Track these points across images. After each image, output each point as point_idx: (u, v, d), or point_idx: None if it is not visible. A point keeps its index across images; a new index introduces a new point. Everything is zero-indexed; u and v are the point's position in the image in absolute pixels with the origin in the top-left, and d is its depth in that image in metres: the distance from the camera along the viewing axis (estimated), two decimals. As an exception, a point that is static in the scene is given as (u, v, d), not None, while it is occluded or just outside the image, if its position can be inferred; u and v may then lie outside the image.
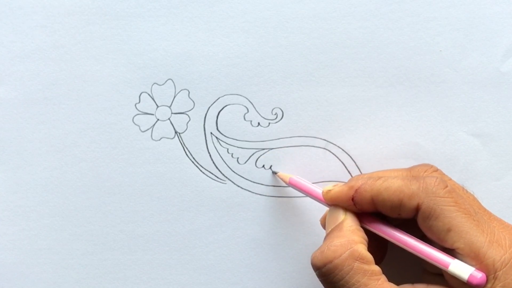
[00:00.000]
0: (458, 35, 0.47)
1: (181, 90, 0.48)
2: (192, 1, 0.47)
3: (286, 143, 0.48)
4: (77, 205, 0.48)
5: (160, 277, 0.48)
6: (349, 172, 0.48)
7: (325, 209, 0.45)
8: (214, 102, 0.48)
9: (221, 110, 0.48)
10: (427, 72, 0.47)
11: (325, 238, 0.41)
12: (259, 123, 0.48)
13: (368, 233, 0.41)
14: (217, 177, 0.48)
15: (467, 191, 0.42)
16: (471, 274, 0.37)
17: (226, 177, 0.48)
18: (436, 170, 0.43)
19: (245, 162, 0.48)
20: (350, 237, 0.39)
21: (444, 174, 0.43)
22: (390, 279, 0.39)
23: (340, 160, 0.48)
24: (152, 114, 0.48)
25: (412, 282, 0.40)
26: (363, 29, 0.47)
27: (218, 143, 0.48)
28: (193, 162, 0.48)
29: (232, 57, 0.47)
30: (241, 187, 0.48)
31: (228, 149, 0.48)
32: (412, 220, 0.41)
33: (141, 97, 0.48)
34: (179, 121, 0.48)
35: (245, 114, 0.48)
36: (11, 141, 0.48)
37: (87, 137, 0.48)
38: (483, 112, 0.48)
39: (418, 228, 0.40)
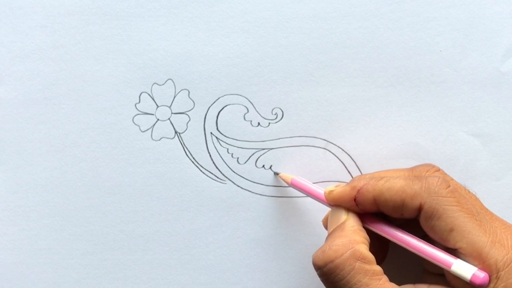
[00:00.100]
0: (458, 35, 0.47)
1: (181, 90, 0.48)
2: (192, 1, 0.47)
3: (286, 143, 0.48)
4: (77, 205, 0.48)
5: (160, 277, 0.48)
6: (349, 172, 0.48)
7: (326, 209, 0.45)
8: (214, 102, 0.48)
9: (221, 110, 0.48)
10: (427, 72, 0.47)
11: (326, 238, 0.41)
12: (259, 123, 0.48)
13: (370, 233, 0.41)
14: (217, 177, 0.48)
15: (469, 191, 0.42)
16: (473, 274, 0.37)
17: (226, 177, 0.48)
18: (438, 170, 0.43)
19: (245, 162, 0.48)
20: (352, 237, 0.39)
21: (446, 174, 0.43)
22: (391, 279, 0.39)
23: (340, 160, 0.48)
24: (152, 114, 0.48)
25: (413, 282, 0.40)
26: (363, 29, 0.47)
27: (218, 143, 0.48)
28: (193, 162, 0.48)
29: (232, 57, 0.47)
30: (241, 187, 0.48)
31: (228, 149, 0.48)
32: (413, 221, 0.41)
33: (141, 97, 0.48)
34: (179, 121, 0.48)
35: (245, 114, 0.48)
36: (11, 141, 0.48)
37: (87, 137, 0.48)
38: (483, 112, 0.48)
39: (419, 229, 0.40)
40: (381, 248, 0.43)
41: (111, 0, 0.47)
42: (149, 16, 0.47)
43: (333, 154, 0.48)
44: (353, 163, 0.48)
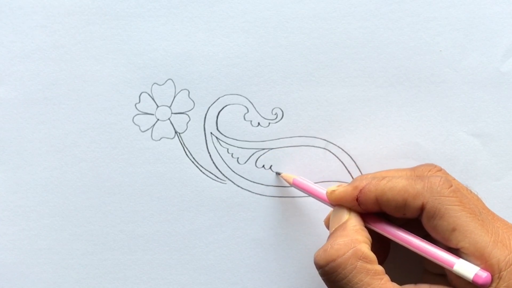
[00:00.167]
0: (458, 35, 0.47)
1: (181, 90, 0.48)
2: (192, 1, 0.47)
3: (286, 143, 0.48)
4: (77, 205, 0.48)
5: (160, 277, 0.48)
6: (349, 172, 0.48)
7: (326, 210, 0.45)
8: (214, 102, 0.48)
9: (221, 110, 0.48)
10: (427, 72, 0.47)
11: (328, 237, 0.41)
12: (259, 123, 0.48)
13: (371, 233, 0.41)
14: (217, 177, 0.48)
15: (471, 191, 0.42)
16: (476, 274, 0.37)
17: (226, 177, 0.48)
18: (440, 169, 0.43)
19: (245, 162, 0.48)
20: (354, 236, 0.39)
21: (448, 174, 0.43)
22: (392, 279, 0.39)
23: (340, 160, 0.48)
24: (152, 114, 0.48)
25: (414, 282, 0.40)
26: (363, 29, 0.47)
27: (218, 143, 0.48)
28: (193, 162, 0.48)
29: (232, 57, 0.47)
30: (241, 187, 0.48)
31: (228, 149, 0.48)
32: (414, 221, 0.41)
33: (141, 97, 0.48)
34: (179, 121, 0.48)
35: (245, 114, 0.48)
36: (11, 141, 0.48)
37: (87, 137, 0.48)
38: (483, 112, 0.48)
39: (420, 229, 0.40)
40: (382, 248, 0.43)
41: (111, 0, 0.47)
42: (149, 16, 0.47)
43: (333, 154, 0.48)
44: (353, 163, 0.48)
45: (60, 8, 0.47)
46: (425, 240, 0.40)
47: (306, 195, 0.47)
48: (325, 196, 0.43)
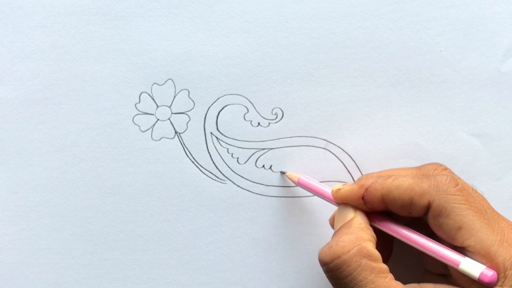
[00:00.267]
0: (458, 35, 0.47)
1: (181, 90, 0.48)
2: (192, 1, 0.47)
3: (286, 143, 0.48)
4: (77, 205, 0.48)
5: (160, 277, 0.48)
6: (349, 172, 0.48)
7: (326, 209, 0.45)
8: (214, 102, 0.48)
9: (221, 110, 0.48)
10: (427, 72, 0.47)
11: (333, 235, 0.41)
12: (259, 123, 0.48)
13: (375, 232, 0.41)
14: (217, 177, 0.48)
15: (476, 191, 0.42)
16: (482, 273, 0.37)
17: (226, 177, 0.48)
18: (446, 168, 0.43)
19: (245, 162, 0.48)
20: (359, 234, 0.39)
21: (453, 173, 0.43)
22: (395, 278, 0.39)
23: (340, 160, 0.48)
24: (152, 114, 0.48)
25: (415, 282, 0.40)
26: (363, 29, 0.47)
27: (218, 143, 0.48)
28: (193, 162, 0.48)
29: (232, 57, 0.47)
30: (241, 187, 0.48)
31: (228, 149, 0.48)
32: (419, 220, 0.41)
33: (141, 97, 0.48)
34: (179, 121, 0.48)
35: (245, 114, 0.48)
36: (11, 141, 0.48)
37: (87, 137, 0.48)
38: (483, 112, 0.48)
39: (425, 228, 0.40)
40: (386, 247, 0.43)
41: (111, 0, 0.47)
42: (149, 16, 0.47)
43: (333, 154, 0.48)
44: (353, 163, 0.48)
45: (60, 8, 0.47)
46: (430, 239, 0.40)
47: (307, 195, 0.47)
48: (330, 195, 0.43)
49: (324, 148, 0.48)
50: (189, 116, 0.48)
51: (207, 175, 0.48)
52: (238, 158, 0.48)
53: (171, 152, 0.48)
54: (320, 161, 0.48)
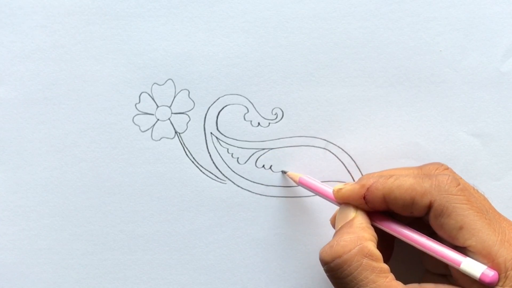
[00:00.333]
0: (458, 35, 0.47)
1: (181, 90, 0.48)
2: (192, 1, 0.47)
3: (286, 143, 0.48)
4: (77, 205, 0.48)
5: (160, 277, 0.48)
6: (349, 172, 0.48)
7: (327, 209, 0.45)
8: (214, 102, 0.48)
9: (221, 110, 0.48)
10: (427, 72, 0.47)
11: (334, 234, 0.41)
12: (259, 123, 0.48)
13: (376, 232, 0.41)
14: (217, 177, 0.48)
15: (477, 191, 0.42)
16: (483, 273, 0.37)
17: (226, 177, 0.48)
18: (447, 168, 0.43)
19: (245, 162, 0.48)
20: (360, 234, 0.39)
21: (455, 172, 0.43)
22: (396, 278, 0.39)
23: (340, 160, 0.48)
24: (152, 114, 0.48)
25: (415, 282, 0.40)
26: (363, 29, 0.47)
27: (218, 143, 0.48)
28: (193, 162, 0.48)
29: (232, 57, 0.47)
30: (241, 187, 0.48)
31: (228, 149, 0.48)
32: (419, 220, 0.41)
33: (141, 97, 0.48)
34: (179, 121, 0.48)
35: (245, 114, 0.48)
36: (11, 141, 0.48)
37: (87, 137, 0.48)
38: (483, 112, 0.48)
39: (425, 228, 0.40)
40: (387, 247, 0.43)
41: (111, 0, 0.47)
42: (149, 16, 0.47)
43: (333, 154, 0.48)
44: (353, 163, 0.48)
45: (60, 8, 0.47)
46: (431, 239, 0.40)
47: (307, 195, 0.47)
48: (331, 195, 0.43)
49: (324, 148, 0.48)
50: (189, 116, 0.48)
51: (207, 175, 0.48)
52: (238, 158, 0.48)
53: (171, 152, 0.48)
54: (320, 161, 0.48)
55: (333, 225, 0.44)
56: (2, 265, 0.48)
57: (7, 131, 0.48)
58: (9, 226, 0.48)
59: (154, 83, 0.48)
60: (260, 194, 0.48)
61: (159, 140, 0.48)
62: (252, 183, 0.48)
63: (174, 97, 0.48)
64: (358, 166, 0.48)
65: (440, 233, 0.39)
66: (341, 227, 0.41)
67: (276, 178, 0.48)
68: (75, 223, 0.48)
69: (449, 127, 0.48)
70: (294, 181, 0.47)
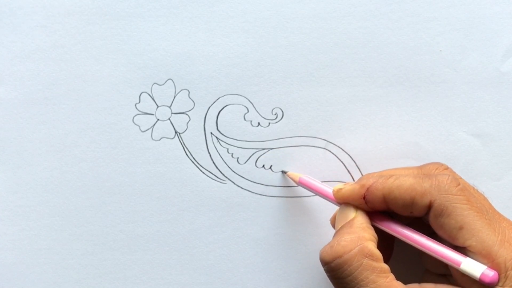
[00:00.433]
0: (458, 35, 0.47)
1: (181, 90, 0.48)
2: (192, 1, 0.47)
3: (286, 143, 0.48)
4: (77, 205, 0.48)
5: (160, 277, 0.48)
6: (349, 172, 0.48)
7: (327, 209, 0.45)
8: (214, 102, 0.48)
9: (221, 110, 0.48)
10: (427, 72, 0.47)
11: (334, 234, 0.41)
12: (259, 123, 0.48)
13: (376, 232, 0.41)
14: (217, 177, 0.48)
15: (477, 190, 0.42)
16: (483, 273, 0.37)
17: (226, 177, 0.48)
18: (447, 168, 0.43)
19: (245, 162, 0.48)
20: (360, 234, 0.39)
21: (455, 172, 0.43)
22: (396, 278, 0.39)
23: (340, 160, 0.48)
24: (152, 114, 0.48)
25: (415, 282, 0.40)
26: (363, 29, 0.47)
27: (218, 143, 0.48)
28: (193, 162, 0.48)
29: (232, 57, 0.47)
30: (241, 187, 0.48)
31: (228, 149, 0.48)
32: (419, 221, 0.41)
33: (141, 97, 0.48)
34: (179, 121, 0.48)
35: (245, 114, 0.48)
36: (11, 141, 0.48)
37: (87, 137, 0.48)
38: (483, 112, 0.48)
39: (425, 228, 0.40)
40: (387, 247, 0.43)
41: (111, 0, 0.47)
42: (149, 16, 0.47)
43: (333, 154, 0.48)
44: (353, 163, 0.48)
45: (60, 8, 0.47)
46: (431, 239, 0.40)
47: (307, 195, 0.47)
48: (331, 195, 0.43)
49: (324, 148, 0.48)
50: (189, 116, 0.48)
51: (207, 175, 0.48)
52: (238, 158, 0.48)
53: (171, 152, 0.48)
54: (320, 161, 0.48)
55: (333, 225, 0.44)
56: (2, 265, 0.48)
57: (7, 131, 0.48)
58: (9, 226, 0.48)
59: (154, 83, 0.48)
60: (260, 194, 0.48)
61: (159, 140, 0.48)
62: (252, 183, 0.48)
63: (174, 97, 0.48)
64: (358, 166, 0.48)
65: (440, 233, 0.39)
66: (341, 227, 0.41)
67: (276, 178, 0.48)
68: (75, 223, 0.48)
69: (449, 127, 0.48)
70: (294, 181, 0.47)
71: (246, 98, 0.48)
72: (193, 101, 0.48)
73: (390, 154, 0.48)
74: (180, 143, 0.48)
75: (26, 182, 0.48)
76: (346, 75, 0.47)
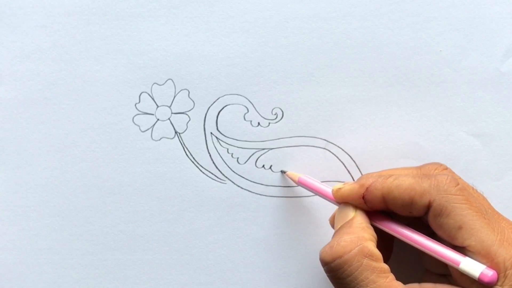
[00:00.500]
0: (458, 35, 0.47)
1: (181, 90, 0.48)
2: (192, 1, 0.47)
3: (286, 143, 0.48)
4: (77, 205, 0.48)
5: (160, 277, 0.48)
6: (349, 172, 0.48)
7: (326, 209, 0.45)
8: (214, 102, 0.48)
9: (221, 110, 0.48)
10: (427, 72, 0.47)
11: (334, 234, 0.41)
12: (259, 123, 0.48)
13: (375, 231, 0.41)
14: (217, 177, 0.48)
15: (476, 190, 0.42)
16: (482, 272, 0.37)
17: (226, 177, 0.48)
18: (446, 168, 0.43)
19: (245, 162, 0.48)
20: (360, 234, 0.39)
21: (454, 172, 0.43)
22: (395, 278, 0.39)
23: (340, 160, 0.48)
24: (152, 114, 0.48)
25: (415, 282, 0.40)
26: (363, 29, 0.47)
27: (218, 143, 0.48)
28: (193, 162, 0.48)
29: (232, 57, 0.47)
30: (241, 187, 0.48)
31: (228, 149, 0.48)
32: (418, 220, 0.41)
33: (141, 97, 0.48)
34: (179, 121, 0.48)
35: (245, 114, 0.48)
36: (11, 141, 0.48)
37: (87, 137, 0.48)
38: (483, 112, 0.48)
39: (424, 228, 0.40)
40: (386, 247, 0.43)
41: (111, 0, 0.47)
42: (149, 16, 0.47)
43: (333, 154, 0.48)
44: (353, 163, 0.48)
45: (60, 8, 0.47)
46: (430, 239, 0.40)
47: (307, 195, 0.47)
48: (330, 194, 0.43)
49: (324, 148, 0.48)
50: (189, 116, 0.48)
51: (207, 175, 0.48)
52: (238, 158, 0.48)
53: (171, 152, 0.48)
54: (320, 161, 0.48)
55: (332, 225, 0.44)
56: (2, 265, 0.48)
57: (7, 131, 0.48)
58: (9, 226, 0.48)
59: (154, 83, 0.48)
60: (260, 194, 0.48)
61: (159, 140, 0.48)
62: (252, 183, 0.48)
63: (174, 97, 0.48)
64: (358, 166, 0.48)
65: (439, 233, 0.39)
66: (341, 227, 0.41)
67: (276, 178, 0.48)
68: (75, 223, 0.48)
69: (449, 127, 0.48)
70: (294, 180, 0.47)
71: (246, 98, 0.48)
72: (193, 101, 0.48)
73: (390, 154, 0.48)
74: (180, 143, 0.48)
75: (26, 182, 0.48)
76: (346, 75, 0.47)
